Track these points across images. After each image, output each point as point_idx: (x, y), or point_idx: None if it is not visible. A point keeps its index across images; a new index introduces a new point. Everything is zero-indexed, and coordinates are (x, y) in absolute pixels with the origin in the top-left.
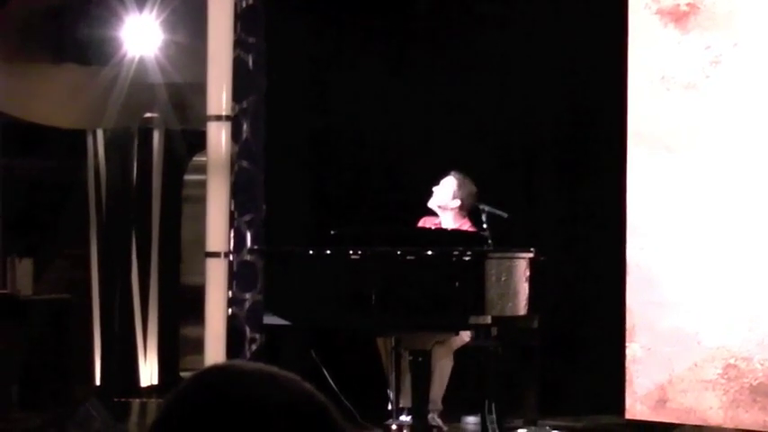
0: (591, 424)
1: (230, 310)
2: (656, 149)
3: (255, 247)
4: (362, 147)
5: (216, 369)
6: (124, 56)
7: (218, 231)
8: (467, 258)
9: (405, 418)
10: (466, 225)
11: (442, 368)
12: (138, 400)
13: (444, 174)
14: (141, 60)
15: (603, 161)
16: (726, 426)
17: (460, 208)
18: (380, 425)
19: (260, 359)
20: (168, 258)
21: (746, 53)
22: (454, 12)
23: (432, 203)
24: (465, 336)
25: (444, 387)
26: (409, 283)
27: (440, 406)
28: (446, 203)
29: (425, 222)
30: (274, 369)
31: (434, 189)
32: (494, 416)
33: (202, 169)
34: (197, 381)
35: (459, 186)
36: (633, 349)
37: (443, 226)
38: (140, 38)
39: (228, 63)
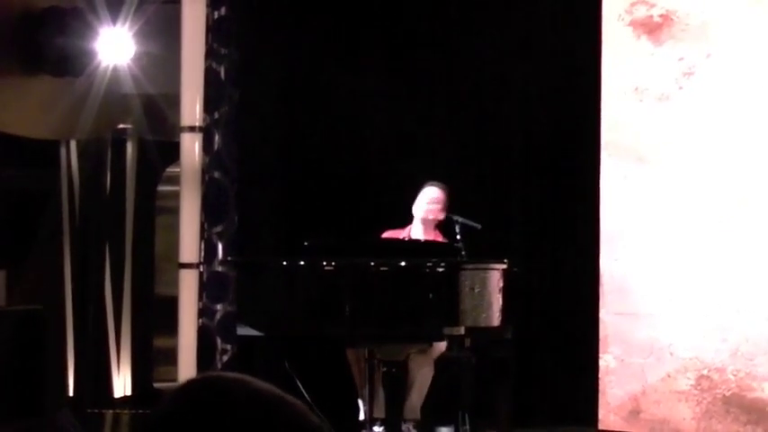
0: None
1: (200, 321)
2: (629, 160)
3: (228, 258)
4: (335, 157)
5: (196, 382)
6: (97, 67)
7: (191, 242)
8: (440, 270)
9: (378, 429)
10: (439, 238)
11: (423, 377)
12: (111, 412)
13: (420, 183)
14: (115, 71)
15: (577, 171)
16: None
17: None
18: None
19: (232, 370)
20: (141, 269)
21: (720, 65)
22: (425, 24)
23: (418, 211)
24: (443, 344)
25: (423, 396)
26: (383, 295)
27: (418, 415)
28: (435, 216)
29: (391, 235)
30: (248, 378)
31: (426, 201)
32: (467, 427)
33: (176, 180)
34: (181, 395)
35: (447, 198)
36: (606, 360)
37: (415, 237)
38: (114, 49)
39: (201, 74)
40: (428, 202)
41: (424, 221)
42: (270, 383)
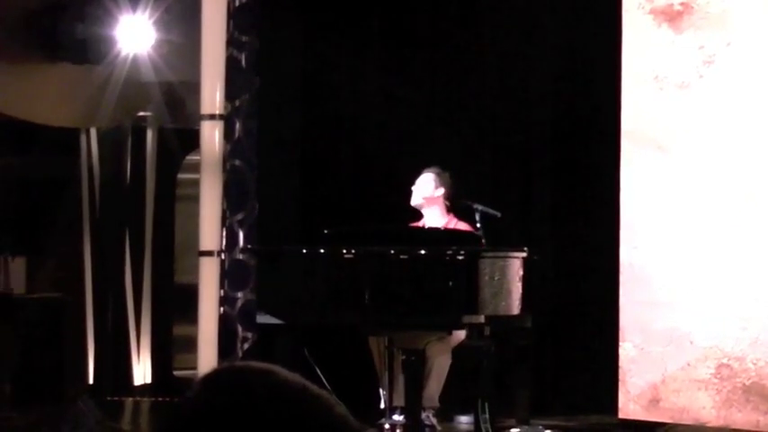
0: (584, 423)
1: (222, 309)
2: (649, 149)
3: (248, 246)
4: (355, 146)
5: (222, 372)
6: (118, 54)
7: (211, 230)
8: (460, 257)
9: (398, 418)
10: (453, 221)
11: (440, 365)
12: (130, 399)
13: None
14: (135, 59)
15: (597, 160)
16: (719, 425)
17: (445, 198)
18: (374, 424)
19: (252, 358)
20: (161, 257)
21: (740, 53)
22: (450, 11)
23: (414, 200)
24: (462, 333)
25: (442, 384)
26: (402, 283)
27: (437, 403)
28: (430, 194)
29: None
30: (275, 368)
31: (413, 189)
32: (487, 415)
33: (196, 168)
34: (207, 384)
35: (439, 175)
36: (626, 349)
37: (431, 224)
38: (134, 36)
39: (222, 62)
40: (414, 190)
41: (421, 208)
42: (294, 373)
